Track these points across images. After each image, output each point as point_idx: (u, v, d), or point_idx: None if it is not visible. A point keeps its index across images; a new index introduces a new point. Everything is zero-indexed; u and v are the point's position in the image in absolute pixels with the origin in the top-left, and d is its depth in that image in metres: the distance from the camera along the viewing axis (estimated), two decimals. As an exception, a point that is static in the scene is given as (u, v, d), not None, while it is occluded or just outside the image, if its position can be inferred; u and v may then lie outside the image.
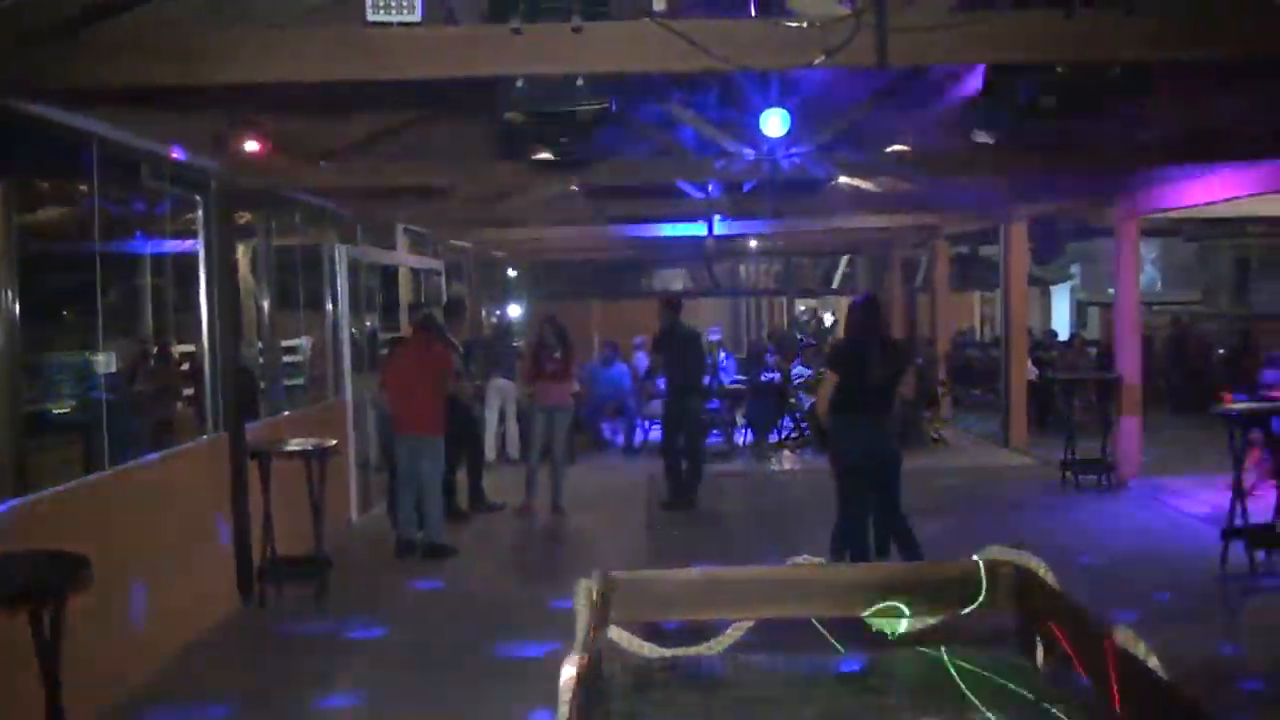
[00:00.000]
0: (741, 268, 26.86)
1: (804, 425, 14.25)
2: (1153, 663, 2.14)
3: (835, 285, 25.67)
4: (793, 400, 14.35)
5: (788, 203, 11.57)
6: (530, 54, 4.25)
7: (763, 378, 14.48)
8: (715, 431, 14.18)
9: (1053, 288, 24.65)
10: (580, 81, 4.31)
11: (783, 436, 14.56)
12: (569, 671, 2.13)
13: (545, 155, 5.39)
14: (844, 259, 25.17)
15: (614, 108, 4.38)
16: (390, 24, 4.30)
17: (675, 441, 11.00)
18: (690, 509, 10.63)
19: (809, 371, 14.52)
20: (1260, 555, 8.03)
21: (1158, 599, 7.46)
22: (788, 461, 13.64)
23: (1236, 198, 10.21)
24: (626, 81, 5.92)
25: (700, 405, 11.60)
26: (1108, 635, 2.22)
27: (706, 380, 12.51)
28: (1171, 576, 8.00)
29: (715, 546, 9.27)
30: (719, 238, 12.78)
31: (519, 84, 4.36)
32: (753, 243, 19.20)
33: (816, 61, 4.03)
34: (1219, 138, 8.52)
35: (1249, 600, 7.65)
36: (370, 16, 4.31)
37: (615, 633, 2.77)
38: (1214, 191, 10.18)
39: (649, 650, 2.77)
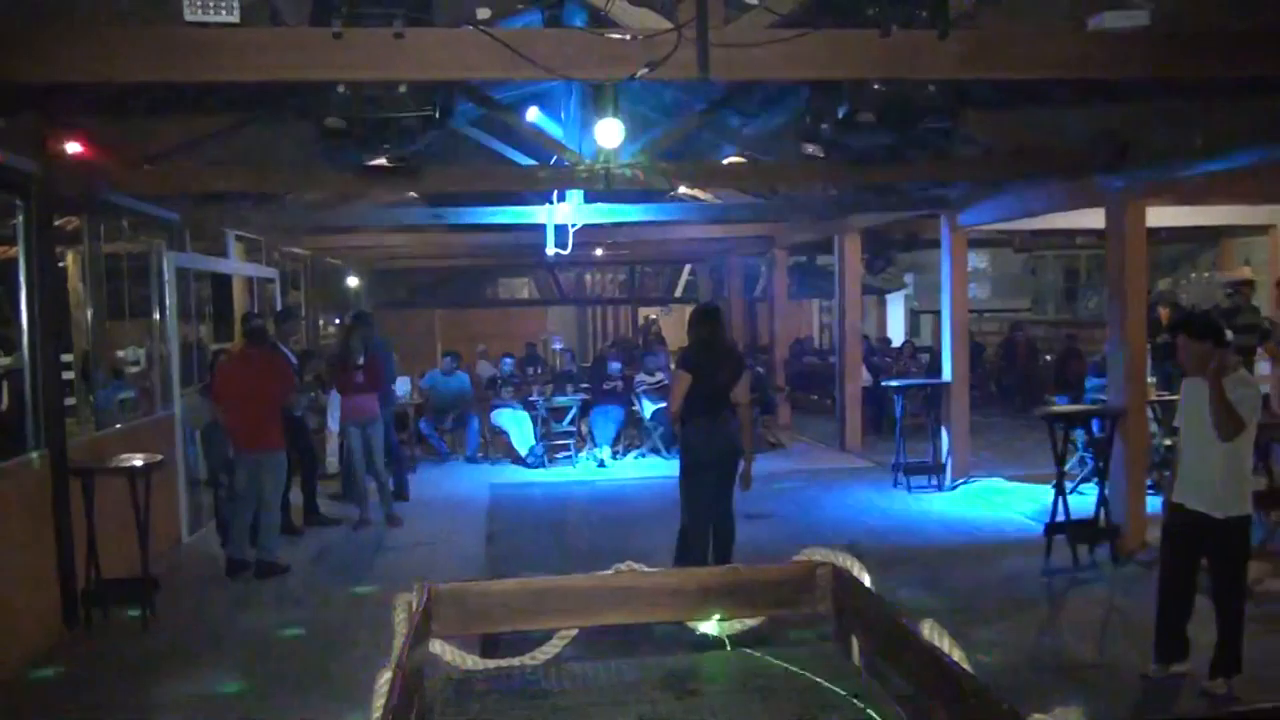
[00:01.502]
0: (587, 276, 26.97)
1: (646, 433, 14.34)
2: (957, 655, 2.21)
3: (678, 294, 25.95)
4: (635, 408, 14.44)
5: (628, 211, 11.63)
6: (351, 59, 4.18)
7: (605, 386, 14.52)
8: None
9: (888, 296, 25.42)
10: (403, 88, 4.24)
11: (626, 445, 14.61)
12: (383, 686, 2.09)
13: (379, 161, 5.30)
14: (686, 268, 25.49)
15: (438, 115, 4.32)
16: (208, 24, 4.17)
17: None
18: None
19: (652, 379, 14.62)
20: (1082, 549, 8.44)
21: (985, 594, 7.76)
22: (632, 469, 13.69)
23: (1053, 212, 10.71)
24: (458, 88, 5.85)
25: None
26: (914, 631, 2.28)
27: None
28: (998, 572, 8.34)
29: (555, 556, 9.26)
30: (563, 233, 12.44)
31: (340, 89, 4.27)
32: (598, 251, 19.28)
33: (640, 73, 4.06)
34: (1038, 155, 8.93)
35: (1071, 593, 8.01)
36: (188, 16, 4.18)
37: (437, 646, 2.73)
38: (1033, 206, 10.65)
39: (471, 662, 2.75)
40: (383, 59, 4.20)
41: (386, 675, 2.12)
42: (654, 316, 26.43)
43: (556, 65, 4.09)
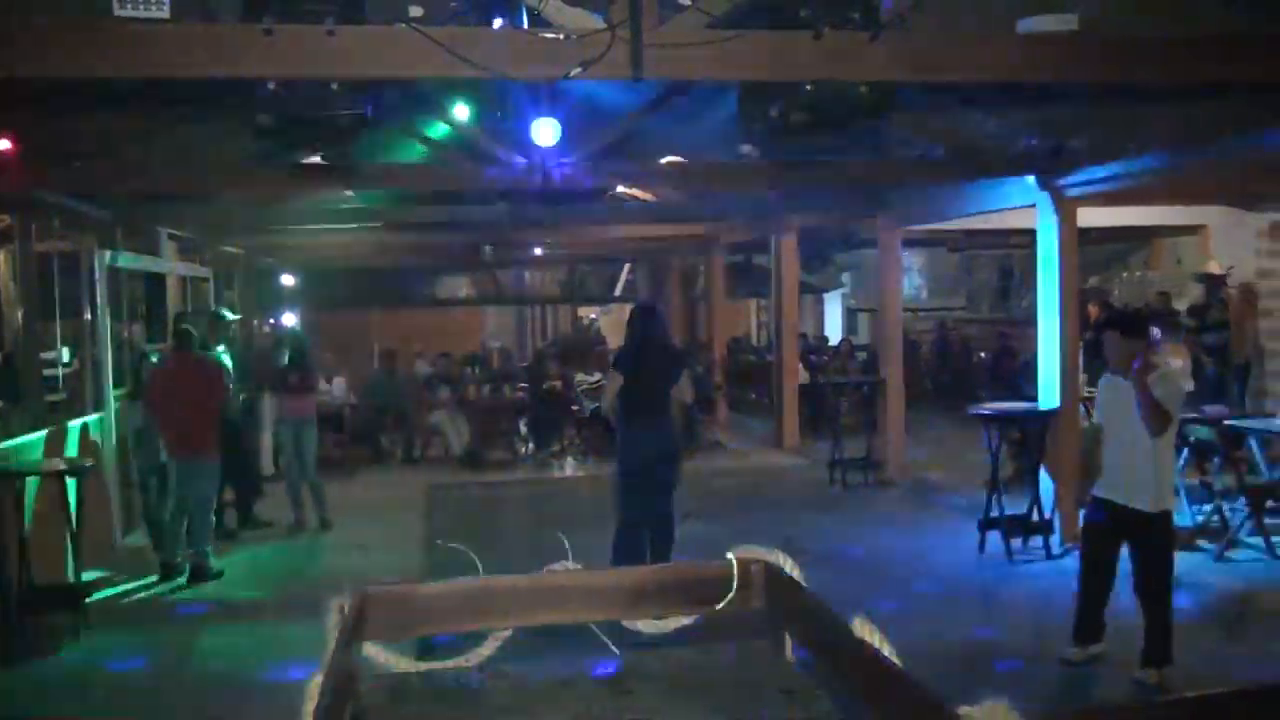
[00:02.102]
0: (526, 275, 26.86)
1: (586, 433, 14.34)
2: (887, 650, 2.23)
3: (618, 293, 25.95)
4: (576, 408, 14.43)
5: (565, 211, 11.62)
6: (282, 56, 4.12)
7: (545, 385, 14.49)
8: None
9: (825, 295, 25.63)
10: (335, 87, 4.20)
11: (565, 444, 14.59)
12: (313, 691, 2.07)
13: (314, 159, 5.25)
14: (626, 267, 25.50)
15: (369, 113, 4.29)
16: (138, 19, 4.11)
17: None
18: None
19: (591, 379, 14.63)
20: (1016, 544, 8.57)
21: (920, 589, 7.87)
22: (570, 469, 13.69)
23: (987, 213, 10.88)
24: (391, 86, 5.80)
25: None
26: (845, 627, 2.30)
27: None
28: (933, 567, 8.45)
29: (495, 557, 9.19)
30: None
31: (271, 87, 4.22)
32: (536, 250, 19.23)
33: (573, 73, 4.06)
34: (973, 157, 9.07)
35: (1004, 586, 8.13)
36: (117, 10, 4.12)
37: (371, 649, 2.71)
38: (968, 207, 10.81)
39: (404, 665, 2.73)
40: (314, 57, 4.15)
41: (317, 679, 2.10)
42: (594, 316, 26.42)
43: (490, 64, 4.07)
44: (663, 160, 9.56)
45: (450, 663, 2.76)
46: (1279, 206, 12.22)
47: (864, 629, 2.27)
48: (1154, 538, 5.86)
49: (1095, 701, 5.84)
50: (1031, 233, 9.47)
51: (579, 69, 4.02)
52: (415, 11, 4.18)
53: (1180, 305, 15.80)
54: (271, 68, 4.22)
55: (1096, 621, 6.11)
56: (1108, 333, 6.05)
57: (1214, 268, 12.02)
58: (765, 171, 8.53)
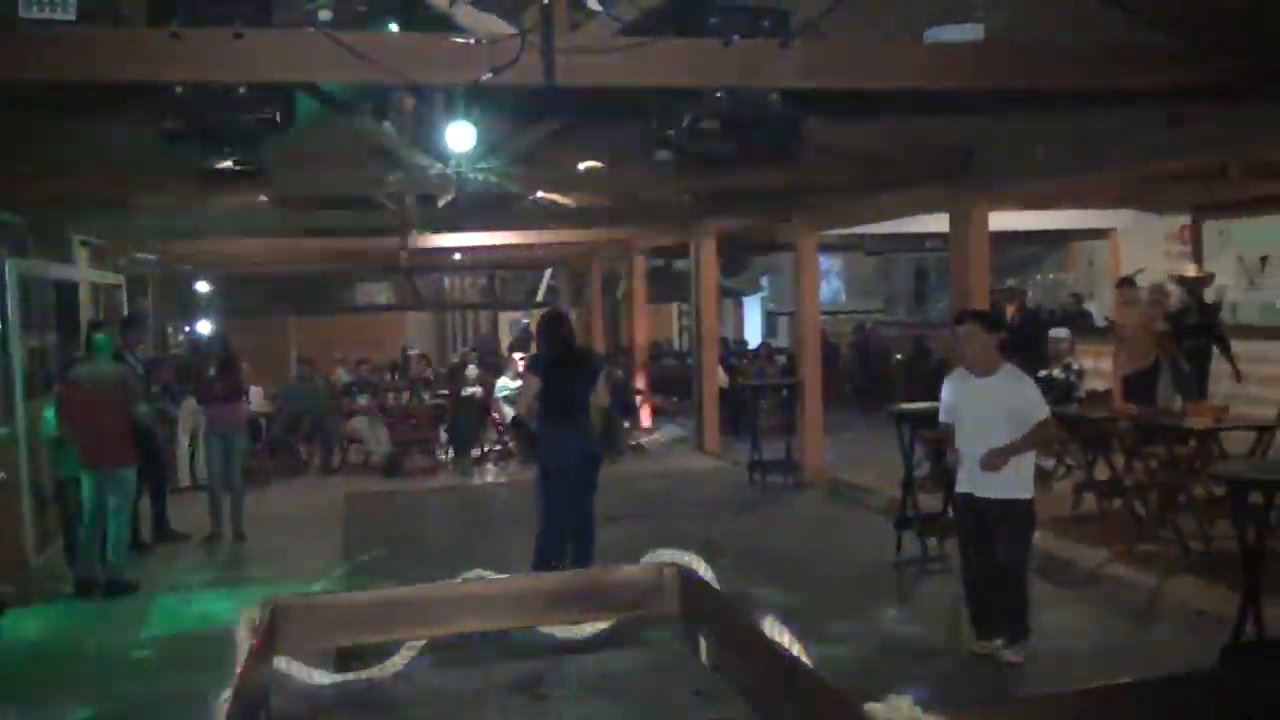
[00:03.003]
0: (446, 281, 26.67)
1: (506, 439, 14.29)
2: (797, 649, 2.27)
3: (539, 298, 25.87)
4: (496, 414, 14.36)
5: (484, 216, 11.57)
6: (190, 60, 4.07)
7: (464, 392, 14.41)
8: None
9: (745, 299, 25.83)
10: (243, 90, 4.15)
11: (485, 450, 14.51)
12: (223, 706, 2.06)
13: (225, 164, 5.18)
14: (547, 272, 25.44)
15: (279, 119, 4.24)
16: (44, 20, 4.04)
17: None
18: None
19: (512, 385, 14.56)
20: (932, 541, 8.70)
21: (838, 588, 7.97)
22: (491, 475, 13.61)
23: (901, 217, 11.08)
24: (300, 91, 5.74)
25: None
26: (756, 628, 2.34)
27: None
28: (851, 566, 8.57)
29: (414, 565, 9.13)
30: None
31: (179, 90, 4.16)
32: (456, 255, 19.11)
33: (484, 78, 4.06)
34: (887, 163, 9.21)
35: (919, 584, 8.26)
36: (22, 12, 4.05)
37: (283, 662, 2.69)
38: (883, 211, 10.99)
39: (318, 677, 2.71)
40: (222, 60, 4.09)
41: (226, 694, 2.09)
42: (525, 321, 26.31)
43: (400, 68, 4.05)
44: (581, 166, 9.57)
45: (365, 674, 2.75)
46: (1185, 211, 12.60)
47: (774, 629, 2.31)
48: (1014, 525, 6.04)
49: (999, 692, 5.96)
50: (945, 236, 9.65)
51: (489, 74, 4.02)
52: (324, 15, 4.14)
53: (1092, 307, 16.23)
54: (179, 71, 4.15)
55: (991, 612, 6.24)
56: (969, 326, 6.13)
57: (1190, 270, 11.64)
58: (680, 177, 8.58)
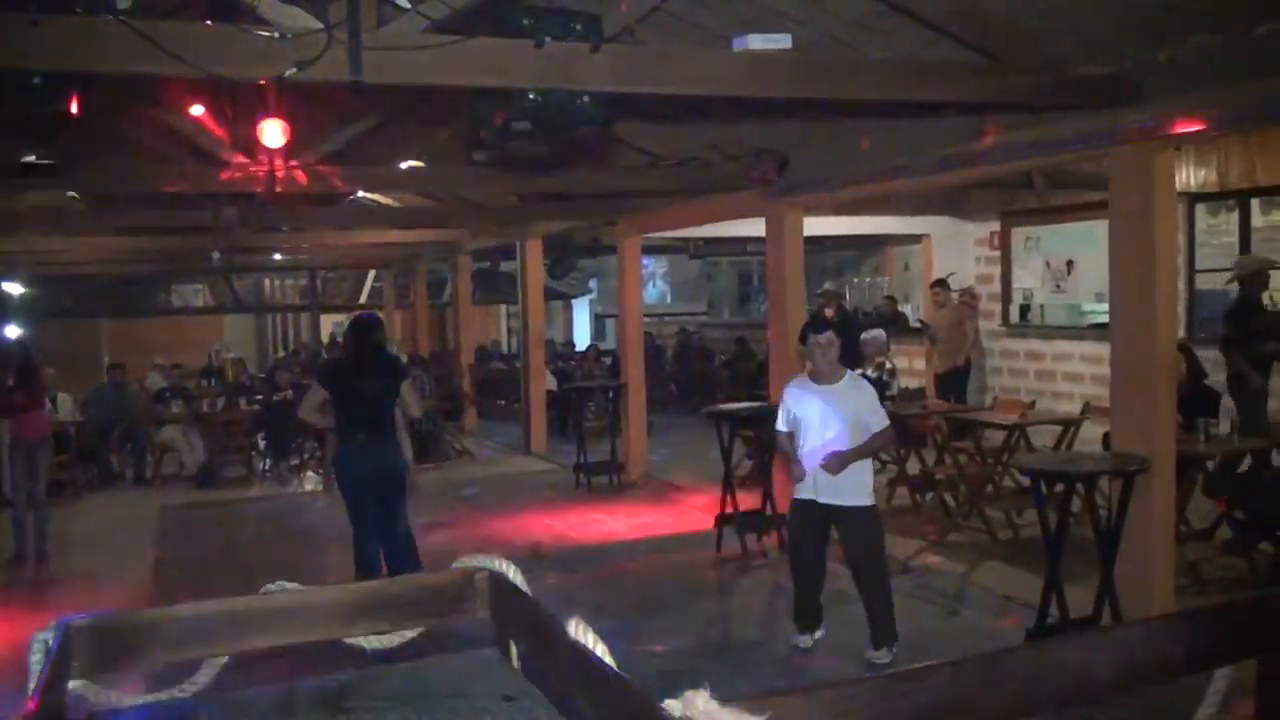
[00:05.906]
0: (266, 282, 25.86)
1: (325, 447, 13.91)
2: (600, 649, 2.28)
3: (363, 300, 25.36)
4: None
5: (303, 215, 11.29)
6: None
7: (276, 397, 13.95)
8: None
9: (574, 301, 25.90)
10: (37, 80, 3.92)
11: (304, 458, 14.10)
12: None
13: (29, 158, 4.91)
14: (371, 273, 24.95)
15: (76, 110, 4.03)
16: None
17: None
18: None
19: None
20: (751, 538, 8.88)
21: (661, 586, 8.05)
22: (309, 484, 13.25)
23: (721, 221, 11.27)
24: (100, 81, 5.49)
25: None
26: (562, 631, 2.34)
27: None
28: (673, 565, 8.66)
29: (228, 579, 8.83)
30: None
31: (-40, 81, 3.91)
32: (275, 256, 18.57)
33: (288, 73, 3.95)
34: (704, 167, 9.37)
35: (739, 579, 8.41)
36: None
37: (80, 685, 2.56)
38: (702, 214, 11.17)
39: (116, 699, 2.60)
40: (15, 48, 3.84)
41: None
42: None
43: (201, 61, 3.89)
44: (402, 165, 9.43)
45: (165, 694, 2.64)
46: (994, 217, 13.20)
47: (578, 631, 2.32)
48: (862, 530, 6.20)
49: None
50: (765, 239, 9.86)
51: (294, 70, 3.91)
52: (123, 3, 3.95)
53: (907, 309, 16.86)
54: (-29, 57, 3.90)
55: (813, 607, 6.42)
56: (829, 335, 6.19)
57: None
58: (497, 177, 8.52)
